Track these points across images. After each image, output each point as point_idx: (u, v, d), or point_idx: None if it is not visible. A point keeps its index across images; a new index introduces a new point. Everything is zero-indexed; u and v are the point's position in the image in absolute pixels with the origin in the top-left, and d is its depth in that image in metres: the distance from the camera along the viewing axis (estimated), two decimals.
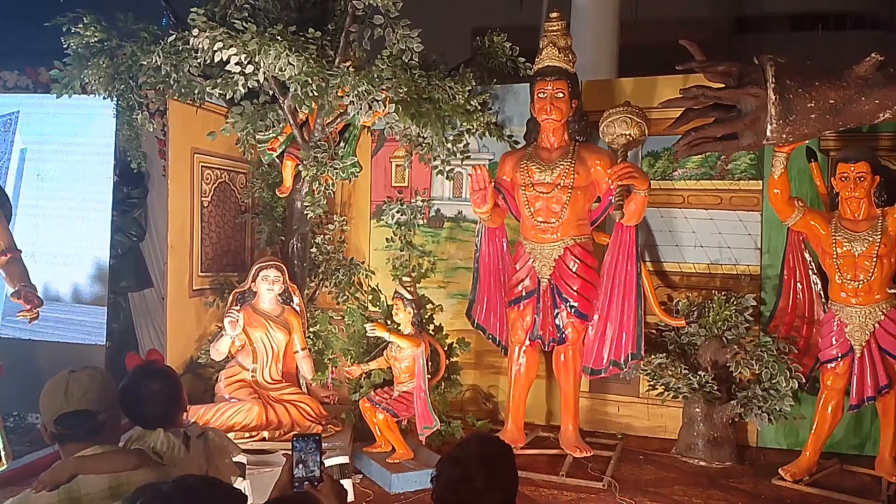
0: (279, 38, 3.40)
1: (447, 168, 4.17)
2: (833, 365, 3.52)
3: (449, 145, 4.45)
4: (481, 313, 4.19)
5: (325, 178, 3.93)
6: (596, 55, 5.43)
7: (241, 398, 3.64)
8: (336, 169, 4.01)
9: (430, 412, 3.58)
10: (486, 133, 4.41)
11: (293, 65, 3.39)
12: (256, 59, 3.37)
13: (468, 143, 4.40)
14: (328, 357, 4.39)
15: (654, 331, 4.18)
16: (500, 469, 1.53)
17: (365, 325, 3.81)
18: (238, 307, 3.79)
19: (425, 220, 4.81)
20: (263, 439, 3.53)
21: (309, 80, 3.44)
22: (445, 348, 4.08)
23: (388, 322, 3.91)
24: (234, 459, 2.09)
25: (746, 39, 10.98)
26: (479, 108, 4.26)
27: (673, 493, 3.45)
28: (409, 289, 3.73)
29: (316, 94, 3.48)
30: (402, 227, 4.79)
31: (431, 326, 4.23)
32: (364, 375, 3.99)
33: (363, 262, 4.81)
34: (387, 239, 4.81)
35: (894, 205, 3.43)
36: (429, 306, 4.30)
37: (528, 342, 3.90)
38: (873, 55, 3.37)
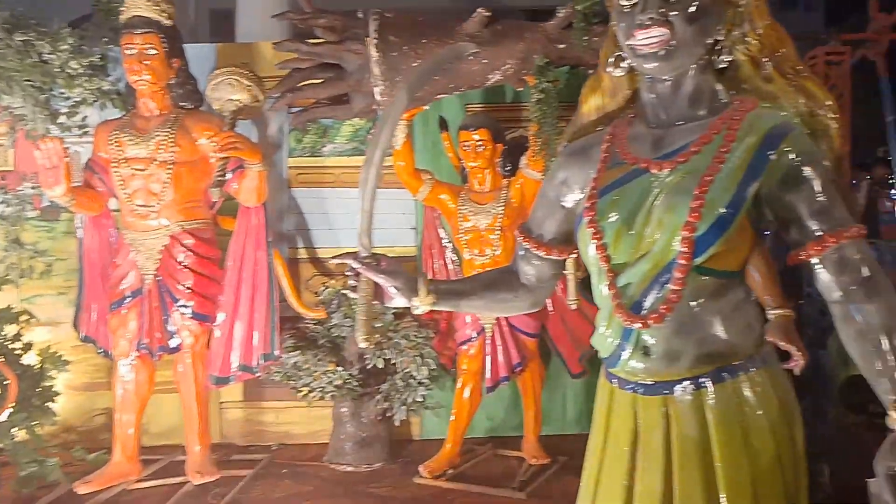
0: None
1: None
2: (466, 346, 3.30)
3: (63, 118, 3.68)
4: (89, 323, 3.43)
5: None
6: (263, 21, 4.85)
7: None
8: None
9: None
10: (109, 103, 3.68)
11: None
12: None
13: (87, 116, 3.65)
14: None
15: (309, 324, 3.72)
16: None
17: None
18: None
19: (37, 212, 3.93)
20: None
21: None
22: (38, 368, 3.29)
23: None
24: None
25: None
26: (89, 72, 3.53)
27: None
28: None
29: None
30: (6, 222, 3.87)
31: (20, 344, 3.40)
32: None
33: None
34: None
35: (517, 174, 3.26)
36: (21, 319, 3.47)
37: (135, 353, 3.22)
38: (479, 11, 3.15)
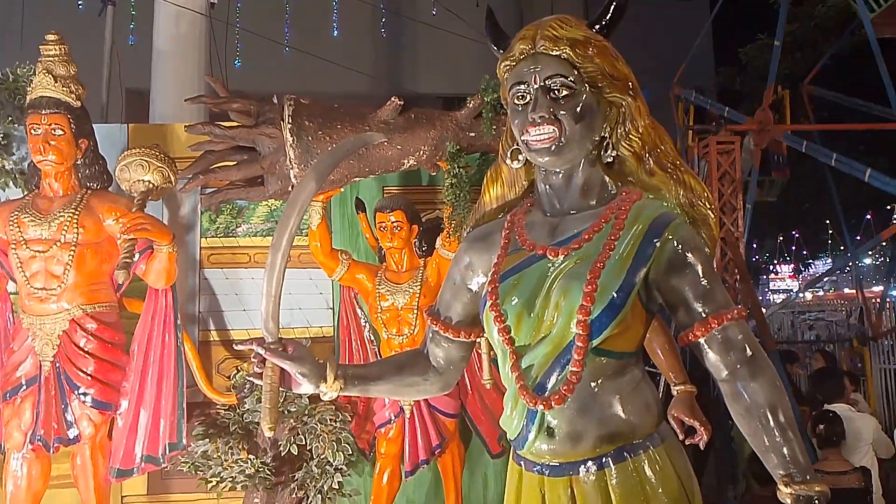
0: None
1: None
2: (385, 429, 3.25)
3: None
4: None
5: None
6: (177, 103, 4.86)
7: None
8: None
9: None
10: (10, 183, 3.57)
11: None
12: None
13: None
14: None
15: (220, 410, 3.58)
16: None
17: None
18: None
19: None
20: None
21: None
22: None
23: None
24: None
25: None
26: None
27: None
28: None
29: None
30: None
31: None
32: None
33: None
34: None
35: (433, 254, 3.32)
36: None
37: (29, 446, 3.00)
38: (393, 99, 3.28)
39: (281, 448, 3.26)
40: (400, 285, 3.29)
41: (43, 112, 3.05)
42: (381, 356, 3.41)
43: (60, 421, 3.02)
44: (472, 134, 3.26)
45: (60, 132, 3.06)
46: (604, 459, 1.27)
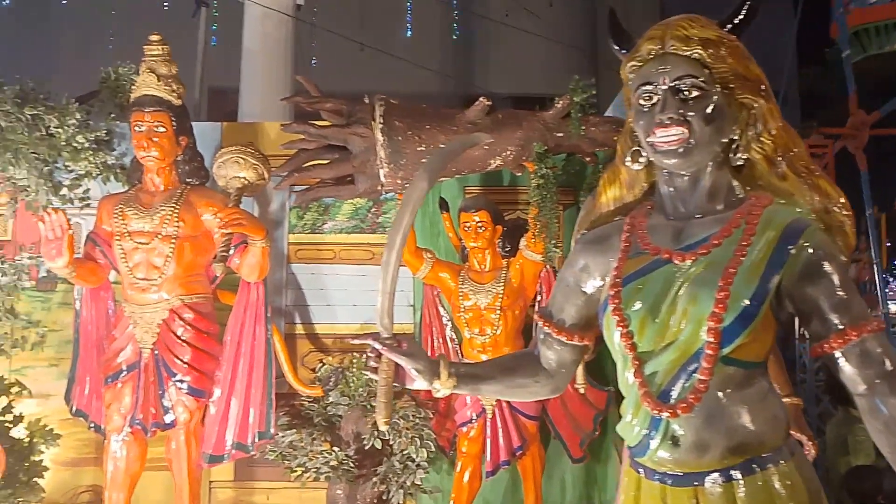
0: None
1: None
2: (466, 429, 3.26)
3: (65, 191, 3.72)
4: (82, 396, 3.37)
5: None
6: (266, 102, 5.01)
7: None
8: None
9: None
10: (112, 177, 3.74)
11: None
12: None
13: (89, 189, 3.69)
14: None
15: (304, 402, 3.67)
16: None
17: None
18: None
19: (33, 282, 3.91)
20: None
21: None
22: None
23: None
24: None
25: None
26: (94, 146, 3.60)
27: None
28: None
29: None
30: (2, 291, 3.84)
31: (10, 416, 3.33)
32: None
33: None
34: None
35: (517, 255, 3.32)
36: (13, 390, 3.41)
37: (128, 429, 3.15)
38: (481, 100, 3.30)
39: (364, 442, 3.32)
40: (483, 285, 3.29)
41: (146, 110, 3.19)
42: (462, 355, 3.43)
43: (158, 406, 3.15)
44: (560, 134, 3.25)
45: (162, 129, 3.20)
46: (731, 472, 1.24)
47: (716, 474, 1.24)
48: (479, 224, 3.27)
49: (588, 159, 3.33)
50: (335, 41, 8.73)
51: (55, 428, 3.44)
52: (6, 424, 3.28)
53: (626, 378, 1.31)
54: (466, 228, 3.31)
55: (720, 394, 1.23)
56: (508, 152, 3.22)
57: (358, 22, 9.91)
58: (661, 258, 1.30)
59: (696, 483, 1.25)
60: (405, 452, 3.22)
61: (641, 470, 1.32)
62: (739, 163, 1.33)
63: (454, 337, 3.53)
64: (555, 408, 3.38)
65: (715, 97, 1.28)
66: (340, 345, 3.92)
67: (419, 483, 3.23)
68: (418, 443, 3.20)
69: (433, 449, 3.26)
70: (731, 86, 1.29)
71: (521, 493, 3.45)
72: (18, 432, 3.35)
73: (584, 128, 3.18)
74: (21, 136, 3.40)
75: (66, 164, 3.62)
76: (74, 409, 3.38)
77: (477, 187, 3.92)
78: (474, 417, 3.27)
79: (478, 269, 3.36)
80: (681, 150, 1.28)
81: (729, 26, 1.34)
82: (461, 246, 3.51)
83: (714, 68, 1.28)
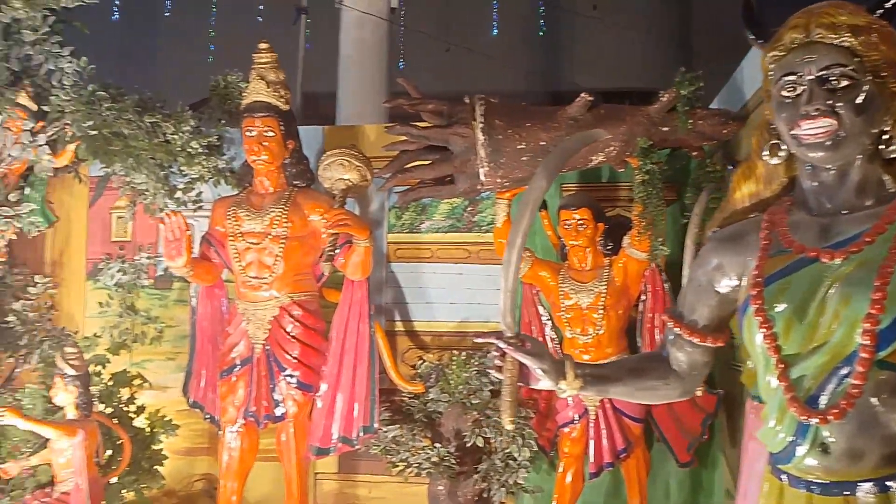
0: None
1: None
2: (568, 429, 3.23)
3: (179, 194, 3.93)
4: (198, 389, 3.56)
5: None
6: (363, 105, 5.13)
7: None
8: (7, 219, 3.32)
9: None
10: (222, 181, 3.92)
11: None
12: None
13: (201, 192, 3.88)
14: (6, 450, 3.55)
15: (404, 398, 3.74)
16: None
17: None
18: None
19: (151, 281, 4.15)
20: None
21: None
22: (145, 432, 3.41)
23: None
24: None
25: None
26: (206, 151, 3.78)
27: None
28: (72, 362, 3.05)
29: None
30: (122, 289, 4.10)
31: (133, 407, 3.55)
32: (29, 474, 3.20)
33: (76, 332, 4.04)
34: (100, 303, 4.07)
35: (619, 253, 3.25)
36: (135, 382, 3.63)
37: (241, 421, 3.30)
38: (583, 95, 3.25)
39: (466, 439, 3.35)
40: (584, 284, 3.25)
41: (256, 115, 3.33)
42: (561, 353, 3.40)
43: (269, 399, 3.29)
44: (665, 129, 3.15)
45: (272, 134, 3.32)
46: (887, 482, 1.17)
47: (869, 484, 1.18)
48: (580, 222, 3.23)
49: (695, 154, 3.23)
50: (421, 43, 8.83)
51: (172, 419, 3.64)
52: (129, 415, 3.49)
53: (769, 382, 1.26)
54: (567, 226, 3.27)
55: (873, 399, 1.17)
56: (611, 148, 3.15)
57: (444, 22, 9.98)
58: (806, 256, 1.24)
59: (846, 492, 1.19)
60: (507, 451, 3.22)
61: (785, 477, 1.26)
62: (893, 155, 1.26)
63: (554, 336, 3.50)
64: (660, 410, 3.29)
65: (866, 87, 1.22)
66: (439, 342, 3.98)
67: (521, 482, 3.23)
68: (520, 442, 3.19)
69: (535, 448, 3.25)
70: (884, 74, 1.22)
71: (624, 495, 3.39)
72: (140, 422, 3.56)
73: (691, 121, 3.08)
74: (142, 143, 3.60)
75: (181, 168, 3.81)
76: (191, 401, 3.57)
77: (575, 185, 3.87)
78: (576, 418, 3.23)
79: (578, 268, 3.31)
80: (829, 142, 1.21)
81: (879, 11, 1.27)
82: (560, 244, 3.48)
83: (865, 56, 1.21)
